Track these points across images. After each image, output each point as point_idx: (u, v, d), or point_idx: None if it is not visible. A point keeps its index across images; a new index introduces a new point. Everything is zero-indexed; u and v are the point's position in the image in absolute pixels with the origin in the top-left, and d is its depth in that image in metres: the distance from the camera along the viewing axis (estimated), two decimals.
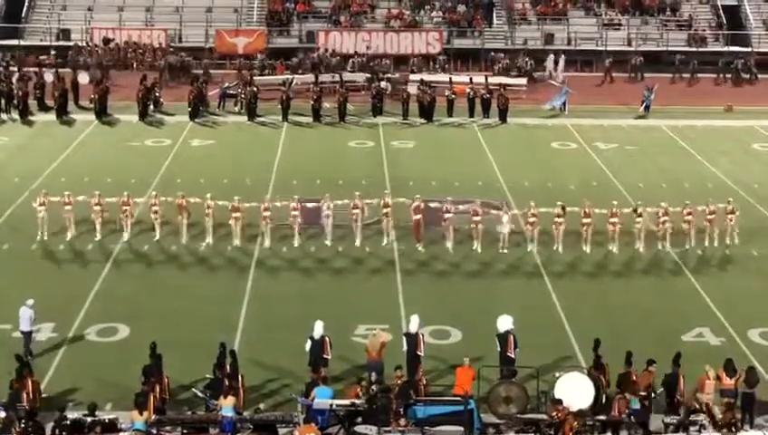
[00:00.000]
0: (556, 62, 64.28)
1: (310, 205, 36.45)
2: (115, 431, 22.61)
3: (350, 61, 63.64)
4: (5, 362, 25.58)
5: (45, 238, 35.44)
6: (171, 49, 65.11)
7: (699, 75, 65.26)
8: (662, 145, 50.23)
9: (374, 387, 24.13)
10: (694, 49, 67.60)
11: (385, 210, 35.75)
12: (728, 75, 65.05)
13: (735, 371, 24.99)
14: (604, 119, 54.59)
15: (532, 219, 35.38)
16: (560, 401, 23.29)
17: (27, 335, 27.36)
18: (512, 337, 26.16)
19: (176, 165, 45.17)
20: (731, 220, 35.95)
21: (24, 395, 23.63)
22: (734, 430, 23.14)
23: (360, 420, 23.42)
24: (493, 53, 65.90)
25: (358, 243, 35.62)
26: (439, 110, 54.05)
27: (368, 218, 36.35)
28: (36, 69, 58.33)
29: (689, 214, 35.66)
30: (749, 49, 67.45)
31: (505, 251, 35.32)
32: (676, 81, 64.47)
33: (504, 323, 26.40)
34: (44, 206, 35.53)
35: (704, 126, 53.80)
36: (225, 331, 28.06)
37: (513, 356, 26.03)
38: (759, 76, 65.12)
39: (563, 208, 35.50)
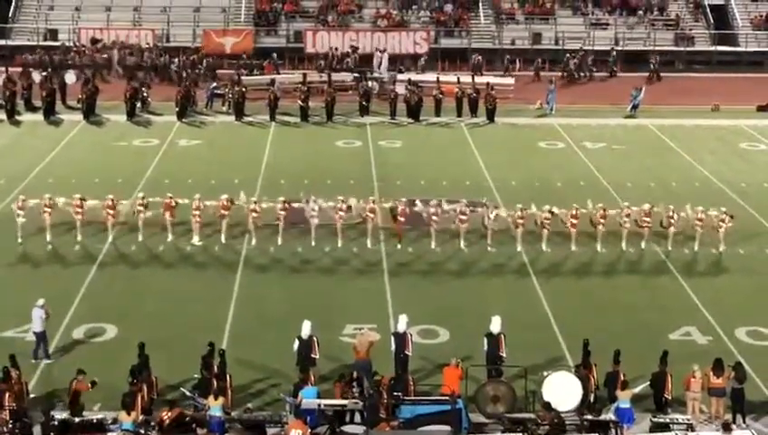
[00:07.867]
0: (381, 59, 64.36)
1: (296, 205, 36.36)
2: (103, 432, 22.56)
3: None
4: None
5: (20, 241, 35.25)
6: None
7: (687, 74, 65.41)
8: (650, 144, 50.29)
9: (364, 385, 24.18)
10: (682, 48, 67.80)
11: (371, 215, 35.70)
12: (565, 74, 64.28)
13: (723, 370, 25.07)
14: (592, 118, 54.63)
15: (520, 221, 35.38)
16: (549, 406, 23.35)
17: (40, 336, 27.14)
18: (503, 337, 26.22)
19: (163, 165, 45.10)
20: (722, 228, 35.58)
21: (11, 396, 23.58)
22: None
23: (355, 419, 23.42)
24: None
25: (340, 244, 35.57)
26: (427, 109, 54.08)
27: (351, 218, 36.26)
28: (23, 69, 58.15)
29: (670, 218, 35.61)
30: (579, 47, 66.65)
31: (492, 250, 35.34)
32: (653, 81, 64.06)
33: (497, 324, 26.40)
34: (23, 210, 35.39)
35: (691, 125, 53.91)
36: (212, 330, 28.03)
37: (504, 355, 26.07)
38: (594, 75, 64.45)
39: (552, 213, 35.46)
